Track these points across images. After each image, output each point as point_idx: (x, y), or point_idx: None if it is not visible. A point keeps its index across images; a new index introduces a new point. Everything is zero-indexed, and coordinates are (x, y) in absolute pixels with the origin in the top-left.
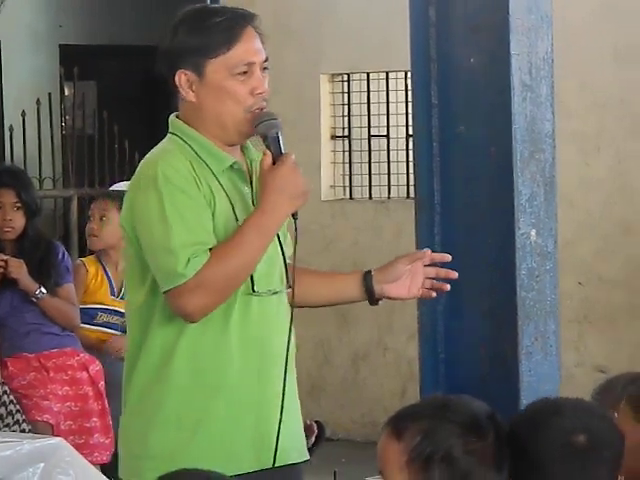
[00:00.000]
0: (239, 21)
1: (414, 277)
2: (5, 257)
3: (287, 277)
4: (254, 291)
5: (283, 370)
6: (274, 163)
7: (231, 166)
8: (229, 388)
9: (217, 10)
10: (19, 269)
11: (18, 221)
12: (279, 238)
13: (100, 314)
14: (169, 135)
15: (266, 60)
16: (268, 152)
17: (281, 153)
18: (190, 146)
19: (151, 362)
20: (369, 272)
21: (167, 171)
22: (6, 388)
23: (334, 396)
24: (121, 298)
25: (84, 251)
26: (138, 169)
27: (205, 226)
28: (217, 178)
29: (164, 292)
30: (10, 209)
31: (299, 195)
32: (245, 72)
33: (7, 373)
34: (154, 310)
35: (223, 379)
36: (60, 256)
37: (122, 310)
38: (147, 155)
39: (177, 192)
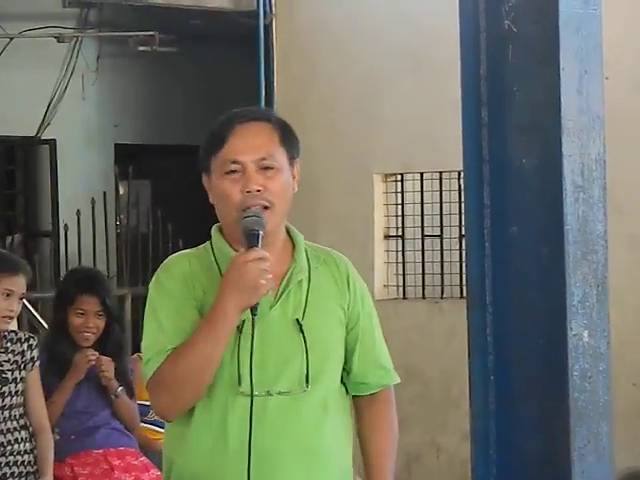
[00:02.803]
0: (231, 121)
1: None
2: (98, 355)
3: (307, 379)
4: (240, 391)
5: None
6: None
7: None
8: None
9: (227, 113)
10: (111, 367)
11: (99, 328)
12: (304, 338)
13: (152, 411)
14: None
15: (264, 159)
16: (242, 249)
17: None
18: (212, 249)
19: (165, 457)
20: None
21: (161, 273)
22: None
23: None
24: None
25: (137, 349)
26: None
27: (177, 327)
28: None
29: None
30: (93, 317)
31: (250, 289)
32: (234, 171)
33: (73, 475)
34: None
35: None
36: (128, 360)
37: None
38: None
39: (162, 293)
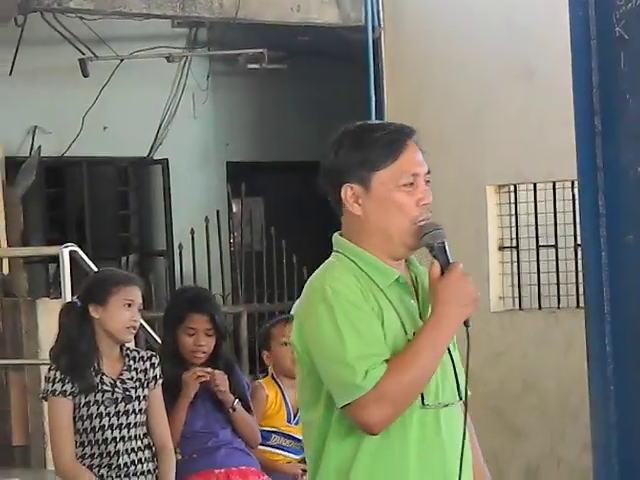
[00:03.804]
0: (403, 134)
1: None
2: (210, 370)
3: (459, 390)
4: (424, 404)
5: None
6: (442, 273)
7: (397, 280)
8: None
9: (380, 125)
10: (225, 382)
11: (209, 346)
12: (449, 350)
13: (274, 436)
14: (334, 253)
15: (428, 172)
16: (436, 262)
17: (448, 262)
18: (355, 262)
19: (336, 470)
20: None
21: (335, 285)
22: None
23: None
24: (296, 423)
25: (254, 366)
26: (305, 289)
27: (378, 338)
28: (384, 292)
29: (342, 406)
30: (203, 335)
31: (469, 303)
32: (411, 183)
33: None
34: (329, 427)
35: None
36: (240, 375)
37: (296, 435)
38: (313, 275)
39: (347, 305)
